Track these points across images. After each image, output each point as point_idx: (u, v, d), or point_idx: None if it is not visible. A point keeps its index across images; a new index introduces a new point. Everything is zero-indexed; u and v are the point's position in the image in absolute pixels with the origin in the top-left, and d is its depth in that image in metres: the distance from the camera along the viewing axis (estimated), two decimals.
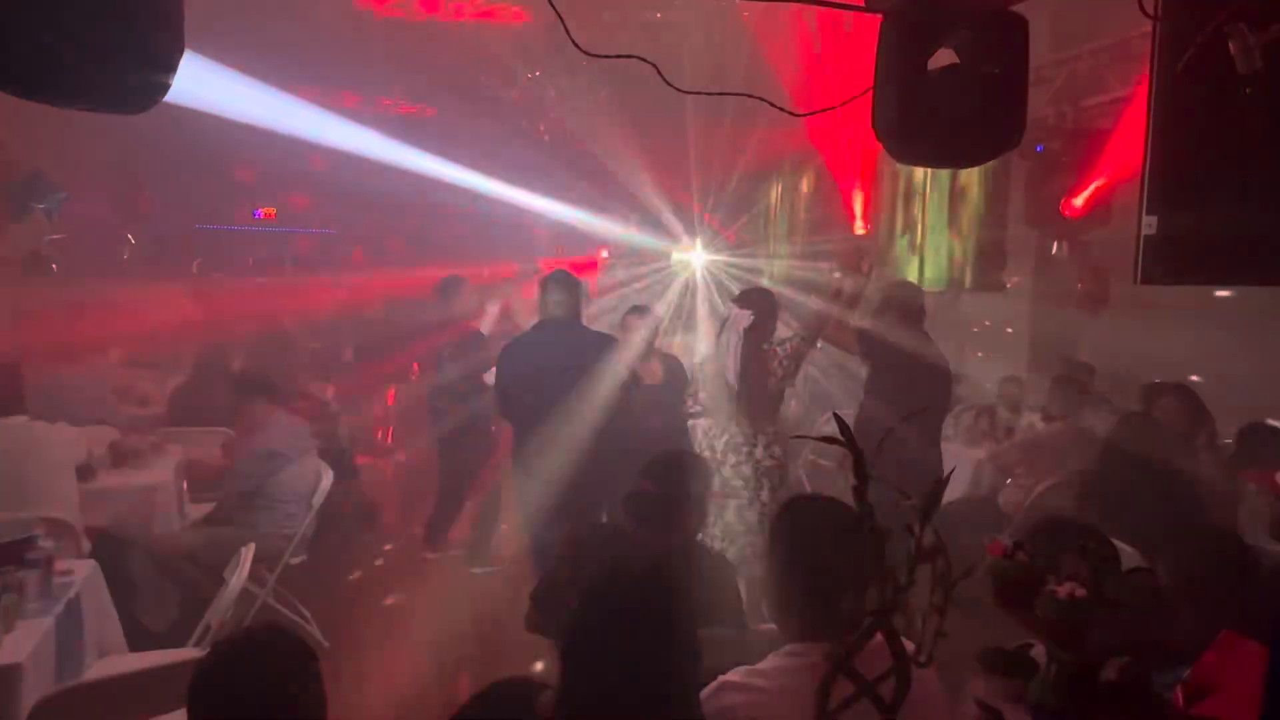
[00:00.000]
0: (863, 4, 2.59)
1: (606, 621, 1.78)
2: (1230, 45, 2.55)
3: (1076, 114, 4.81)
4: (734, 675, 2.00)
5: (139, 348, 7.98)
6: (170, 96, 1.85)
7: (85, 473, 4.37)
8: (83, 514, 4.16)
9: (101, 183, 9.19)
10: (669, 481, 2.80)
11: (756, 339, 4.28)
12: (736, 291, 4.86)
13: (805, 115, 1.95)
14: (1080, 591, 1.36)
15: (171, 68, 1.81)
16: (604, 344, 4.47)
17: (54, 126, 6.88)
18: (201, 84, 6.18)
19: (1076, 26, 5.06)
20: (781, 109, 1.92)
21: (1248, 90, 2.80)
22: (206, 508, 4.92)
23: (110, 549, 4.16)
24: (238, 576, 3.27)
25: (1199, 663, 1.51)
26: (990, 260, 5.14)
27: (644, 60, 1.82)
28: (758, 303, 4.38)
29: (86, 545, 4.04)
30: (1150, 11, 2.90)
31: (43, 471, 4.05)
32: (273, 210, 13.49)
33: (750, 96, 1.90)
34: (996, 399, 6.62)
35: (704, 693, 2.00)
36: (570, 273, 4.57)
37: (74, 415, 4.75)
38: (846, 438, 1.32)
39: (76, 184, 8.02)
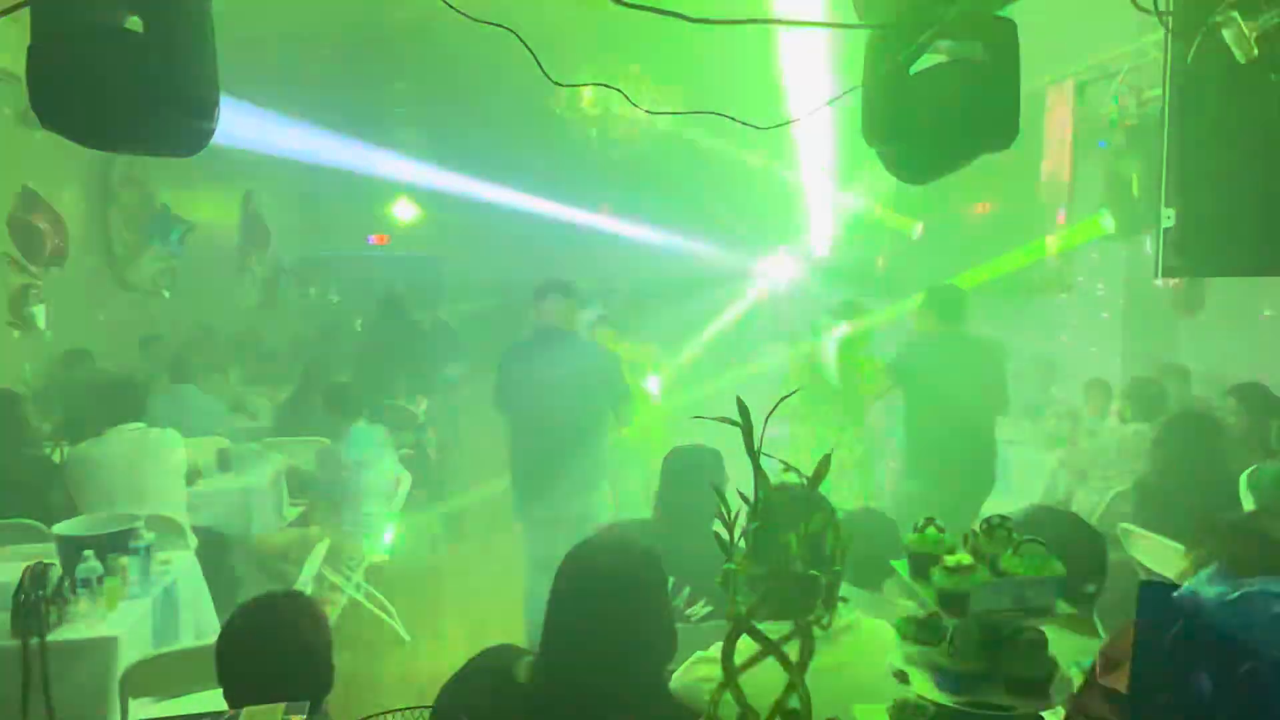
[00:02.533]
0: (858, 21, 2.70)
1: (578, 590, 1.94)
2: (1225, 34, 2.54)
3: (1141, 106, 4.69)
4: (712, 651, 2.14)
5: (256, 367, 8.72)
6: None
7: (193, 476, 4.84)
8: (190, 514, 4.62)
9: (227, 215, 10.05)
10: (679, 476, 2.95)
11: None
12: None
13: (768, 128, 2.08)
14: (967, 560, 1.46)
15: (210, 115, 2.11)
16: (599, 355, 4.55)
17: (184, 164, 7.55)
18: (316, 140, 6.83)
19: (1144, 17, 4.94)
20: (744, 123, 2.06)
21: (1273, 77, 2.76)
22: (302, 509, 5.36)
23: (213, 545, 4.61)
24: (309, 567, 3.61)
25: (1116, 635, 1.57)
26: (1054, 260, 5.05)
27: (609, 86, 1.99)
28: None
29: (194, 541, 4.48)
30: (1156, 9, 2.90)
31: (155, 474, 4.50)
32: (385, 236, 14.23)
33: (711, 114, 2.05)
34: (1082, 404, 6.44)
35: (681, 667, 2.15)
36: (569, 282, 4.49)
37: (189, 427, 5.26)
38: (743, 416, 1.46)
39: (205, 217, 8.81)
